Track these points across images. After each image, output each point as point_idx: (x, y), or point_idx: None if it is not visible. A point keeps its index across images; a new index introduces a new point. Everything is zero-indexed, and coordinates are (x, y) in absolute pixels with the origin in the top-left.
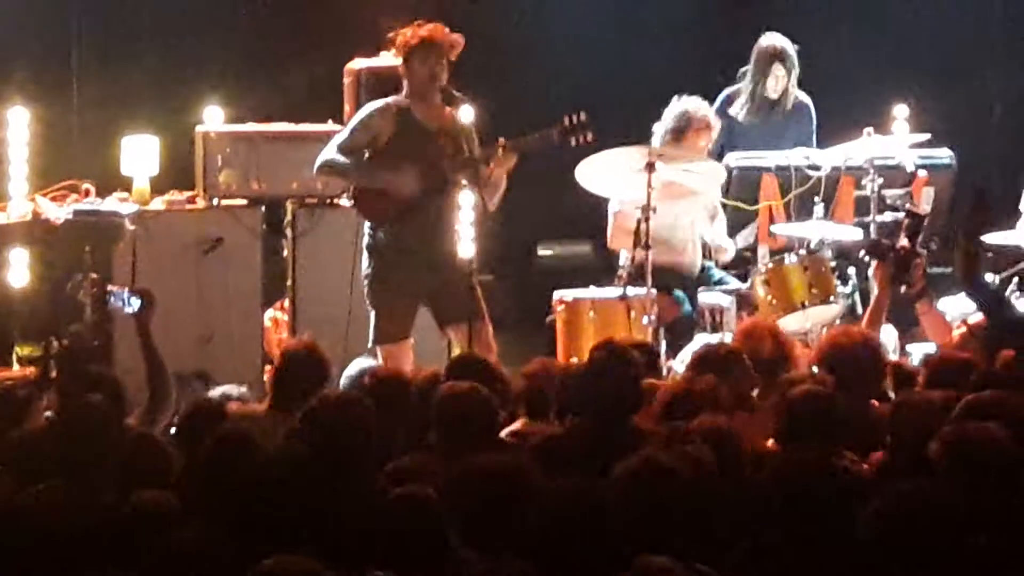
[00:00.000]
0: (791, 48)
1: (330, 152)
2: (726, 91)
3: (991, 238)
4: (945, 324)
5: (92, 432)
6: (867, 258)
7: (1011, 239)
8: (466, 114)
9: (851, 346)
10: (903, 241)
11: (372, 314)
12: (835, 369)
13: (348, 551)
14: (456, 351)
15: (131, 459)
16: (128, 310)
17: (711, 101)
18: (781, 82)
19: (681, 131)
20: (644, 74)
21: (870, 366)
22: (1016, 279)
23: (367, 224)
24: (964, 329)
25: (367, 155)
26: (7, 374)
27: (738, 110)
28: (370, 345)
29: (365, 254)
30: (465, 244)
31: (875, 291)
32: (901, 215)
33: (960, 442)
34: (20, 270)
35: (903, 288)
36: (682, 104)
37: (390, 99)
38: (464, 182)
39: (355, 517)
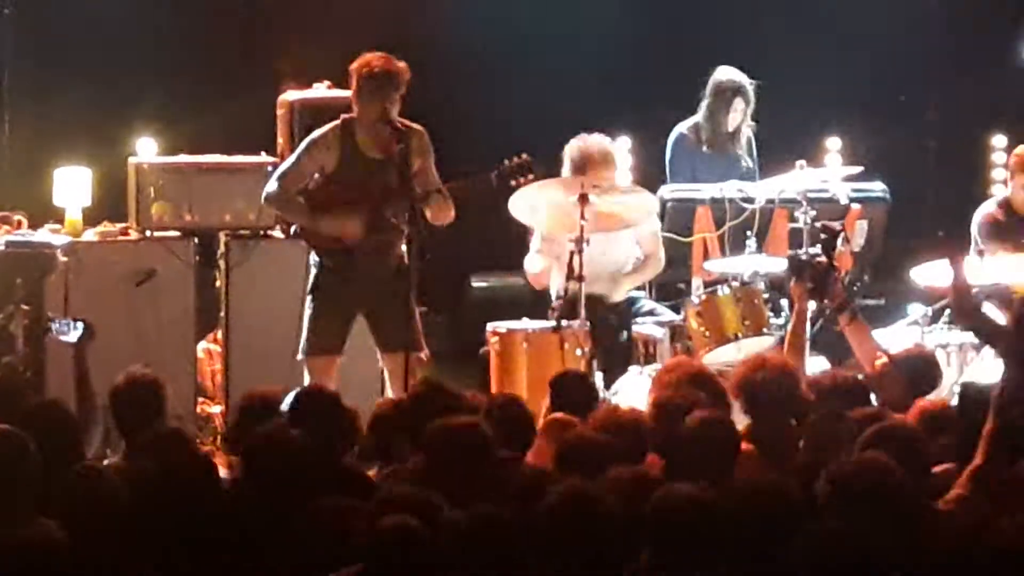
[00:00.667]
0: (748, 83)
1: (275, 185)
2: (682, 127)
3: (922, 273)
4: (869, 337)
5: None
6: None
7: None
8: (418, 142)
9: (764, 373)
10: (819, 256)
11: (304, 326)
12: (750, 398)
13: None
14: (387, 378)
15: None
16: (70, 338)
17: (661, 134)
18: (739, 116)
19: (582, 169)
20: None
21: (785, 392)
22: (947, 312)
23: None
24: (885, 360)
25: (317, 180)
26: None
27: (695, 147)
28: (298, 356)
29: (311, 270)
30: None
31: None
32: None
33: (845, 477)
34: None
35: (822, 302)
36: (580, 140)
37: (336, 124)
38: (401, 212)
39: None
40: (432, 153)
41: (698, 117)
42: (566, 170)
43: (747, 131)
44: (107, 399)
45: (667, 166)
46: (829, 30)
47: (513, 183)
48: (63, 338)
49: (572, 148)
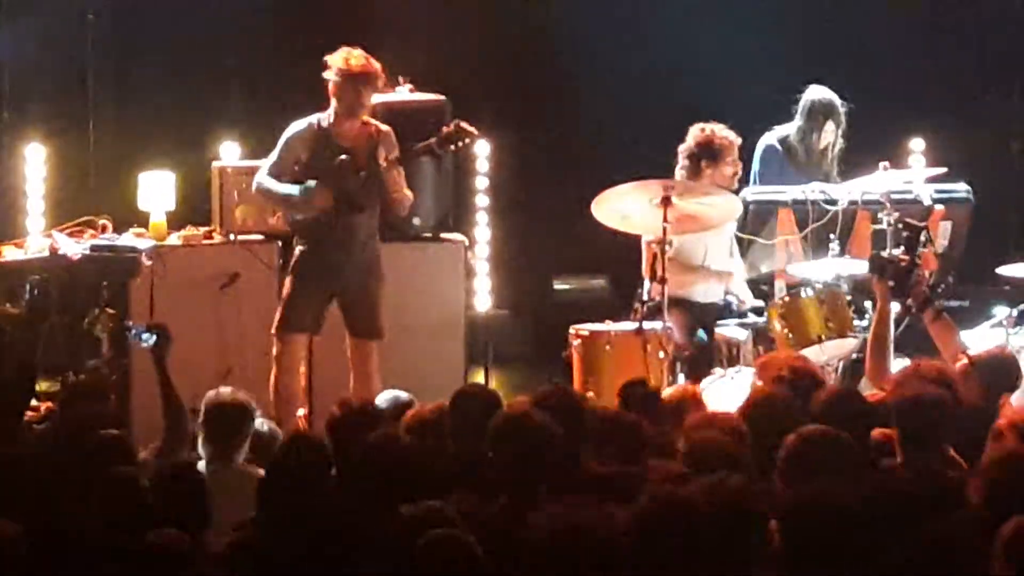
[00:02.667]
0: (838, 100)
1: (262, 175)
2: (771, 138)
3: (1009, 271)
4: (954, 336)
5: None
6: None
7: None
8: (386, 139)
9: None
10: (900, 254)
11: (282, 304)
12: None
13: None
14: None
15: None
16: (144, 345)
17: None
18: (829, 136)
19: (701, 161)
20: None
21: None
22: None
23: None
24: (965, 361)
25: (295, 169)
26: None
27: (789, 161)
28: (272, 331)
29: (294, 255)
30: (479, 292)
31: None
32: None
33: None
34: (39, 306)
35: (905, 301)
36: (702, 130)
37: (312, 118)
38: (369, 196)
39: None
40: (397, 150)
41: (788, 130)
42: (688, 156)
43: (839, 147)
44: (200, 414)
45: (755, 175)
46: (914, 29)
47: (453, 148)
48: (141, 344)
49: (696, 134)
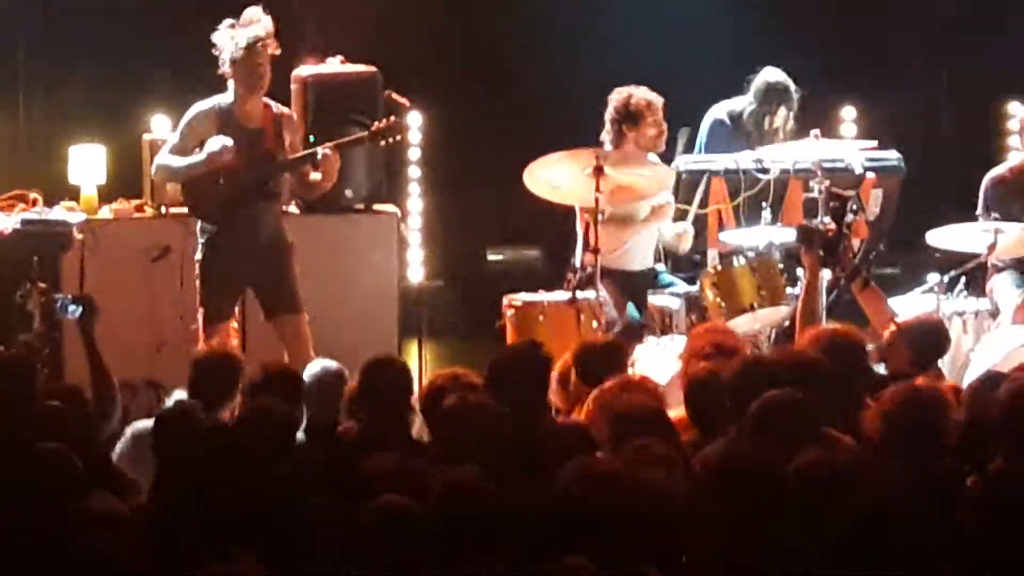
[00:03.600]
0: (792, 85)
1: (162, 156)
2: (720, 111)
3: (938, 239)
4: (883, 304)
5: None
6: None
7: (962, 240)
8: (288, 120)
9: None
10: (830, 224)
11: (198, 297)
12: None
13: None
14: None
15: None
16: (70, 316)
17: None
18: (781, 119)
19: (623, 124)
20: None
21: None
22: (963, 278)
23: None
24: (893, 328)
25: (197, 150)
26: None
27: (736, 138)
28: (194, 326)
29: (199, 244)
30: (412, 263)
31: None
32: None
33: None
34: None
35: (835, 270)
36: (618, 96)
37: (214, 99)
38: (281, 180)
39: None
40: (300, 133)
41: (737, 105)
42: (610, 121)
43: (790, 128)
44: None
45: (699, 146)
46: None
47: (383, 143)
48: (66, 316)
49: (618, 98)
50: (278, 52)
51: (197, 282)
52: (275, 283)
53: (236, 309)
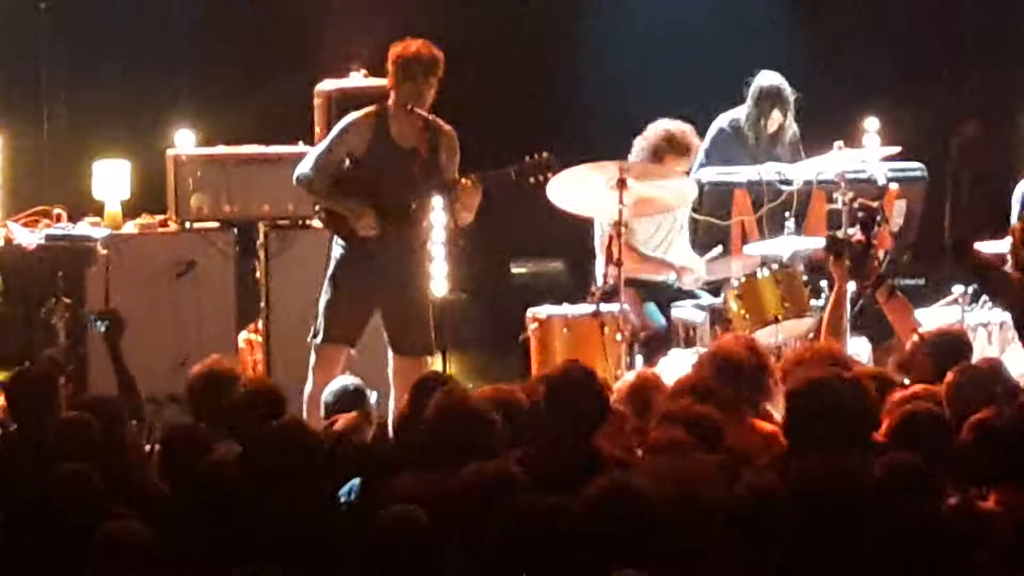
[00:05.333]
0: (786, 86)
1: (307, 166)
2: (723, 121)
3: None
4: (909, 314)
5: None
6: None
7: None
8: (447, 140)
9: None
10: (857, 234)
11: (320, 311)
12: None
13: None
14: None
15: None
16: (94, 330)
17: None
18: (777, 122)
19: (661, 154)
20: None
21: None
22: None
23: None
24: (916, 339)
25: (346, 163)
26: None
27: (738, 145)
28: (309, 339)
29: (333, 257)
30: (436, 277)
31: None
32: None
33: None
34: None
35: (861, 281)
36: (664, 125)
37: (371, 110)
38: (432, 203)
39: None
40: (458, 155)
41: (739, 114)
42: (643, 150)
43: (791, 131)
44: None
45: (703, 155)
46: (868, 9)
47: (532, 180)
48: (93, 330)
49: (657, 130)
50: (440, 76)
51: (322, 298)
52: (405, 318)
53: (356, 335)
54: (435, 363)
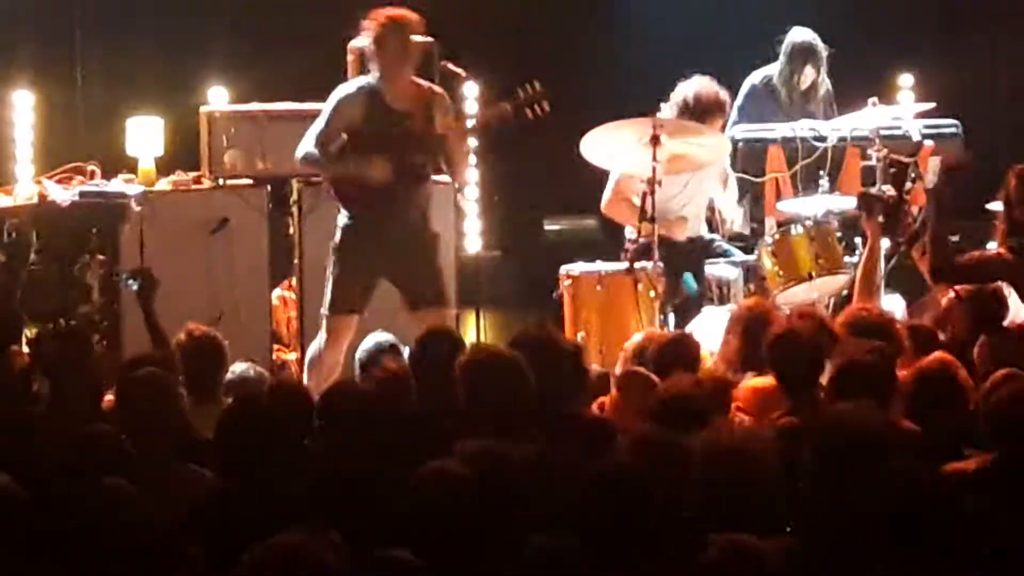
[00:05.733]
0: (819, 42)
1: (308, 144)
2: (755, 77)
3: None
4: None
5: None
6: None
7: None
8: (440, 101)
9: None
10: (890, 191)
11: (328, 283)
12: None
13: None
14: None
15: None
16: (127, 289)
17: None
18: (810, 78)
19: (696, 114)
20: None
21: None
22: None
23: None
24: (951, 295)
25: (344, 136)
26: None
27: (772, 99)
28: (322, 311)
29: (337, 228)
30: (469, 234)
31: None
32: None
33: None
34: (27, 252)
35: (895, 237)
36: (693, 86)
37: (361, 82)
38: (431, 160)
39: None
40: (452, 114)
41: (772, 71)
42: (674, 112)
43: (824, 87)
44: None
45: (736, 111)
46: None
47: (528, 112)
48: (125, 287)
49: (687, 92)
50: (423, 37)
51: (329, 268)
52: (417, 274)
53: (365, 302)
54: (463, 317)
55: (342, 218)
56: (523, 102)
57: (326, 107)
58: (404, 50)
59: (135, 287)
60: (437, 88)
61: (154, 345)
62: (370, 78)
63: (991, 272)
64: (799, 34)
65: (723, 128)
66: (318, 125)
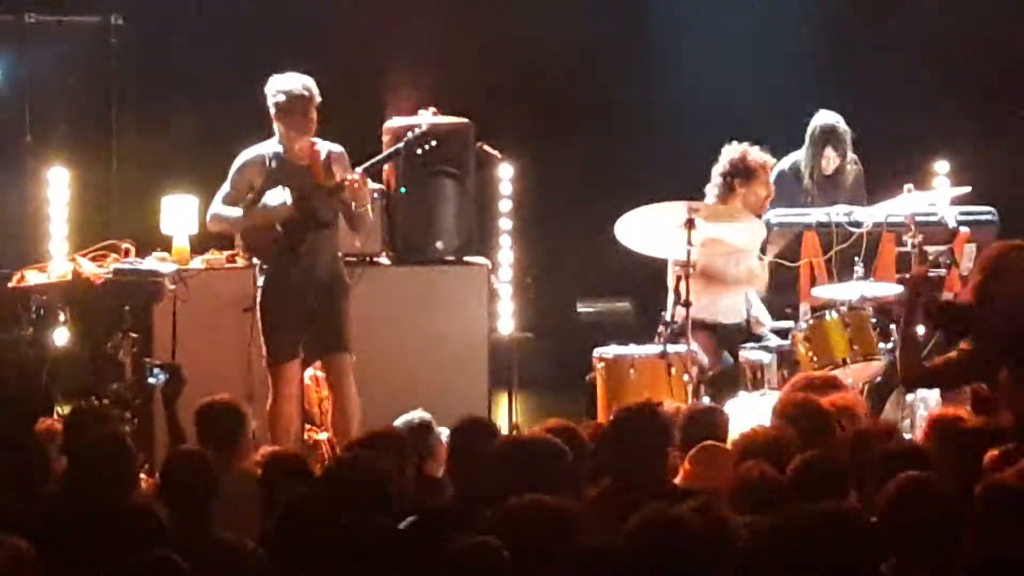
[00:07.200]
0: (841, 125)
1: (216, 206)
2: (784, 163)
3: None
4: None
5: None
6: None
7: None
8: (338, 156)
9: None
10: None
11: (262, 338)
12: None
13: None
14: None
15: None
16: (153, 382)
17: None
18: (834, 162)
19: (735, 180)
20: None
21: None
22: None
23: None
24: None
25: (251, 197)
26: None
27: (800, 184)
28: (264, 366)
29: (259, 286)
30: (503, 316)
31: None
32: (943, 272)
33: None
34: (61, 330)
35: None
36: (739, 148)
37: (261, 146)
38: (332, 212)
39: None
40: (350, 170)
41: (799, 155)
42: (723, 177)
43: (852, 171)
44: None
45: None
46: (935, 51)
47: (419, 152)
48: (151, 381)
49: (732, 155)
50: (318, 100)
51: (261, 326)
52: (330, 319)
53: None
54: (496, 399)
55: (261, 275)
56: (413, 144)
57: (232, 170)
58: (306, 119)
59: (162, 380)
60: (335, 146)
61: (171, 440)
62: (271, 143)
63: (956, 374)
64: (821, 117)
65: (767, 197)
66: (224, 188)
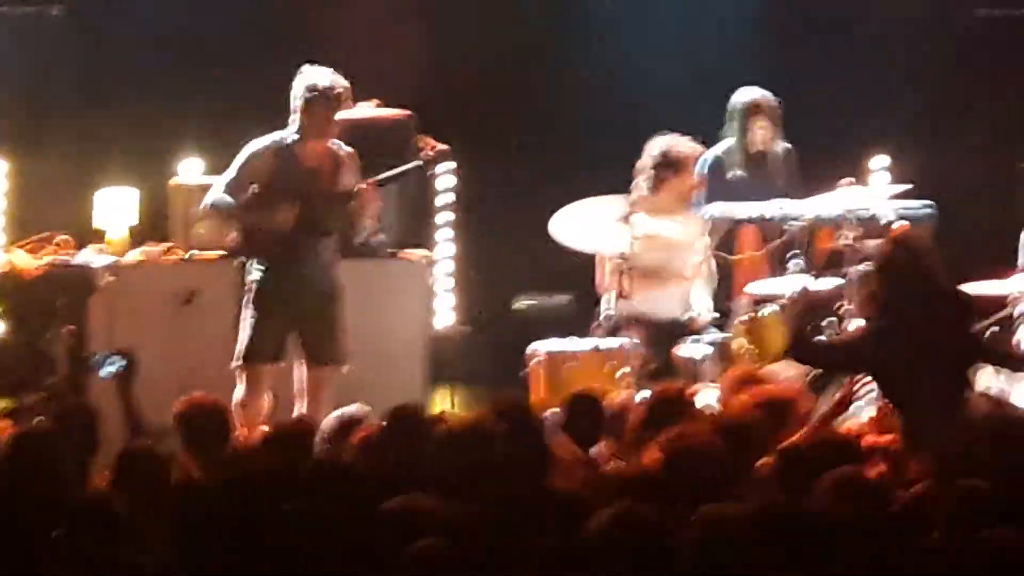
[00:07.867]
0: (769, 98)
1: (217, 191)
2: (710, 153)
3: (978, 287)
4: None
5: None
6: None
7: (999, 288)
8: (350, 160)
9: None
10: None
11: (244, 333)
12: None
13: None
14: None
15: None
16: (108, 372)
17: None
18: (763, 133)
19: (664, 172)
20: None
21: None
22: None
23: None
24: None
25: (254, 189)
26: None
27: (729, 169)
28: (233, 363)
29: (251, 281)
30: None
31: None
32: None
33: None
34: None
35: None
36: (667, 141)
37: (274, 136)
38: (334, 219)
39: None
40: (359, 175)
41: (720, 148)
42: (647, 174)
43: (780, 148)
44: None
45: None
46: (877, 45)
47: (437, 170)
48: (101, 373)
49: (654, 151)
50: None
51: (246, 319)
52: (322, 328)
53: (281, 352)
54: (433, 393)
55: (255, 271)
56: (431, 160)
57: (238, 158)
58: (328, 122)
59: (115, 369)
60: (348, 148)
61: (132, 434)
62: (284, 133)
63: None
64: (740, 93)
65: (696, 186)
66: (228, 174)
